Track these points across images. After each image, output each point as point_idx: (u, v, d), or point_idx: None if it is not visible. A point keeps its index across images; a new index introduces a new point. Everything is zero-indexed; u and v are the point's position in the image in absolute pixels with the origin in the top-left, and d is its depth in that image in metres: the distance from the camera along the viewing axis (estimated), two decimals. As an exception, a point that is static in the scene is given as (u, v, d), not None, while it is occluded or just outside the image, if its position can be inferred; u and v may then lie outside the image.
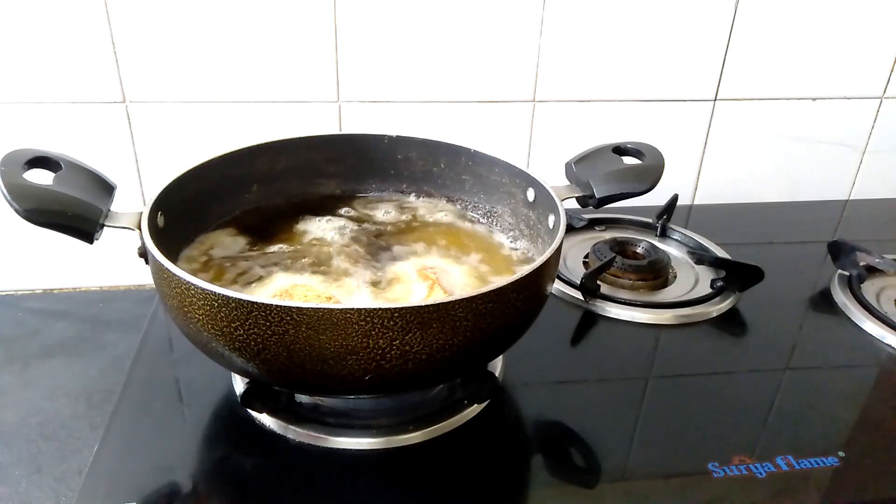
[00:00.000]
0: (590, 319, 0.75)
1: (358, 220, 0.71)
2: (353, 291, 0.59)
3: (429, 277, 0.60)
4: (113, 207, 0.55)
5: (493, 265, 0.65)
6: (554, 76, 0.92)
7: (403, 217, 0.73)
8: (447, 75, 0.89)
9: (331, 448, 0.56)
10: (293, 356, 0.47)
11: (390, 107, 0.90)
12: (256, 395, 0.55)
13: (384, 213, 0.73)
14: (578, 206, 0.65)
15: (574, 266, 0.84)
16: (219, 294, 0.46)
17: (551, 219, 0.63)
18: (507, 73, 0.91)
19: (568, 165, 0.67)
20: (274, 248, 0.66)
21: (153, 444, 0.56)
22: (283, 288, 0.59)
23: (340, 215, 0.72)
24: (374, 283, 0.61)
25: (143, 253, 0.52)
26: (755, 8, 0.93)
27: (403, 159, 0.74)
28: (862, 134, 1.06)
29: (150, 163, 0.87)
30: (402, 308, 0.45)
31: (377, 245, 0.67)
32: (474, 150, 0.71)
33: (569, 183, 0.66)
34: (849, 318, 0.76)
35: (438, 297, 0.57)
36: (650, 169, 0.65)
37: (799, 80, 1.00)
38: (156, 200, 0.56)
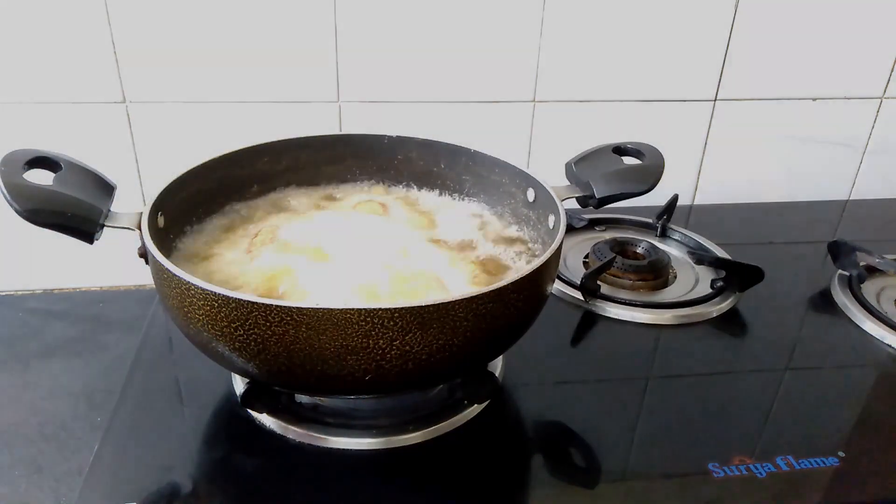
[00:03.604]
0: (590, 319, 0.75)
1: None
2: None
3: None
4: (113, 207, 0.55)
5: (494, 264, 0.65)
6: (554, 76, 0.92)
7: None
8: (447, 75, 0.89)
9: (331, 448, 0.56)
10: (293, 356, 0.47)
11: (390, 107, 0.90)
12: (256, 395, 0.55)
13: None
14: (578, 206, 0.65)
15: (574, 266, 0.84)
16: (219, 294, 0.46)
17: (551, 219, 0.63)
18: (507, 73, 0.91)
19: (568, 165, 0.67)
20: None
21: (153, 444, 0.56)
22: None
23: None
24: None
25: (143, 253, 0.52)
26: (755, 8, 0.93)
27: (403, 159, 0.74)
28: (862, 134, 1.06)
29: (150, 163, 0.87)
30: (402, 308, 0.45)
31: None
32: (474, 151, 0.71)
33: (569, 183, 0.66)
34: (849, 318, 0.76)
35: (438, 296, 0.57)
36: (650, 169, 0.65)
37: (799, 80, 1.00)
38: (156, 200, 0.56)
